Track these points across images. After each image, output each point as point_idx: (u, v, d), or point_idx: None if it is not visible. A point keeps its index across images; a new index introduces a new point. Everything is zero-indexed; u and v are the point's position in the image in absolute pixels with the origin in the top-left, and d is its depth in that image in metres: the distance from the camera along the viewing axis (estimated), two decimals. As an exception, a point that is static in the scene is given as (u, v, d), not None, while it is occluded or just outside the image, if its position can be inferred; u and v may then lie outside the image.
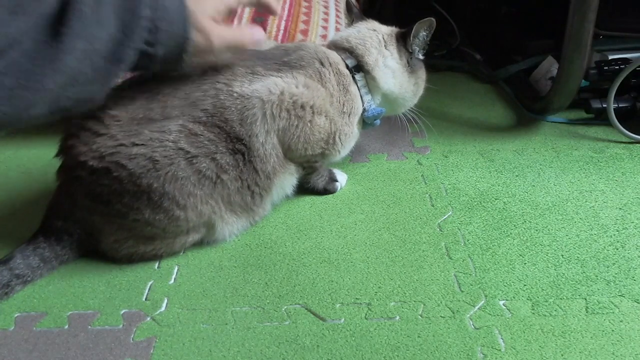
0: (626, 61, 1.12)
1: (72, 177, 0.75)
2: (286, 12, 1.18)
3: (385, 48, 0.91)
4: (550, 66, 1.26)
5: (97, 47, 0.55)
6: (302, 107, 0.81)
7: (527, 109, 1.25)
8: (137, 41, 0.59)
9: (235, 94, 0.77)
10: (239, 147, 0.77)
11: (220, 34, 0.67)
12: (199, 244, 0.83)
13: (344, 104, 0.88)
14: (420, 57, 0.94)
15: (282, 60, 0.84)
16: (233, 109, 0.76)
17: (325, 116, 0.85)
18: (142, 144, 0.71)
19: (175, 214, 0.75)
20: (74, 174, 0.74)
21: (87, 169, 0.72)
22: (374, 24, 0.96)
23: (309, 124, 0.83)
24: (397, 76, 0.92)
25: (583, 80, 1.12)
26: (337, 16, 1.25)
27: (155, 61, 0.62)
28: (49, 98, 0.54)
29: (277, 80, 0.80)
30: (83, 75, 0.55)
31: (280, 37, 1.13)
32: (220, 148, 0.76)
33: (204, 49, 0.67)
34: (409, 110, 0.98)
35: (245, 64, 0.81)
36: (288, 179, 0.88)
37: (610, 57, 1.16)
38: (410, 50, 0.92)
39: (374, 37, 0.92)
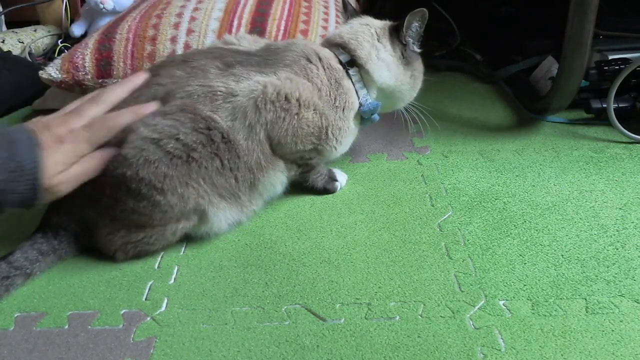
0: (626, 61, 1.12)
1: None
2: (286, 12, 1.18)
3: (378, 41, 0.91)
4: (550, 66, 1.26)
5: None
6: (287, 98, 0.81)
7: (527, 109, 1.25)
8: None
9: (219, 92, 0.78)
10: (212, 124, 0.77)
11: (68, 181, 0.70)
12: (199, 242, 0.83)
13: (335, 98, 0.87)
14: (416, 49, 0.94)
15: (266, 59, 0.85)
16: (207, 101, 0.78)
17: (313, 110, 0.84)
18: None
19: (155, 199, 0.75)
20: None
21: None
22: (367, 19, 0.97)
23: (296, 117, 0.83)
24: (391, 69, 0.91)
25: (583, 80, 1.12)
26: (337, 16, 1.25)
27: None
28: None
29: (259, 78, 0.81)
30: None
31: (280, 37, 1.13)
32: (183, 129, 0.76)
33: (53, 198, 0.71)
34: (410, 105, 0.98)
35: (224, 63, 0.82)
36: (278, 177, 0.88)
37: (610, 57, 1.16)
38: (404, 42, 0.92)
39: (366, 31, 0.92)
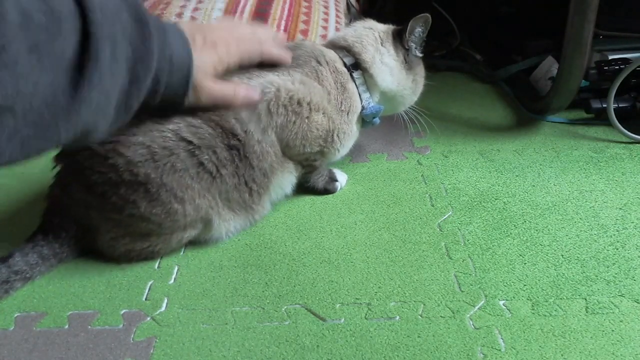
0: (626, 61, 1.12)
1: (70, 162, 0.75)
2: (286, 12, 1.18)
3: (382, 45, 0.92)
4: (550, 66, 1.26)
5: (111, 99, 0.56)
6: (299, 103, 0.81)
7: (527, 109, 1.25)
8: (143, 93, 0.60)
9: None
10: (234, 142, 0.77)
11: (211, 92, 0.71)
12: (199, 244, 0.83)
13: (342, 102, 0.88)
14: (418, 54, 0.94)
15: None
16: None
17: (323, 113, 0.85)
18: (142, 133, 0.72)
19: (173, 208, 0.74)
20: (73, 157, 0.74)
21: (87, 151, 0.72)
22: (370, 23, 0.97)
23: (306, 121, 0.83)
24: (394, 73, 0.92)
25: (583, 80, 1.12)
26: (337, 16, 1.25)
27: (150, 106, 0.65)
28: (56, 144, 0.54)
29: (273, 78, 0.81)
30: (93, 125, 0.55)
31: (280, 37, 1.13)
32: (219, 142, 0.76)
33: (192, 102, 0.71)
34: (410, 108, 0.98)
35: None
36: (287, 178, 0.88)
37: (610, 57, 1.16)
38: (407, 47, 0.92)
39: (370, 35, 0.92)
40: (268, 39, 0.81)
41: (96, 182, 0.72)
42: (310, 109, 0.83)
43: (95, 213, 0.76)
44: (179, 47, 0.65)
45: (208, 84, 0.70)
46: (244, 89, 0.76)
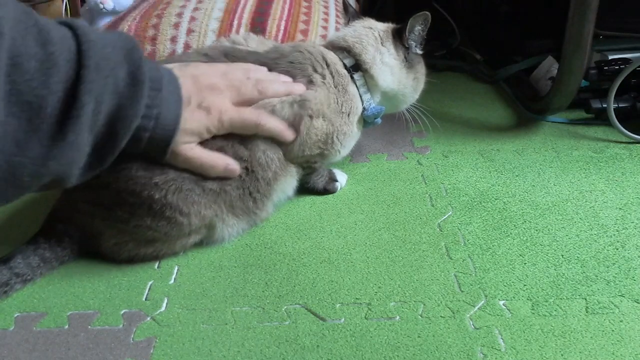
0: (626, 61, 1.12)
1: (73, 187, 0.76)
2: (286, 12, 1.18)
3: (382, 45, 0.91)
4: (550, 66, 1.26)
5: (83, 152, 0.55)
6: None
7: (527, 109, 1.25)
8: (119, 148, 0.60)
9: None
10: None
11: (187, 160, 0.69)
12: (199, 244, 0.83)
13: (342, 105, 0.87)
14: (418, 51, 0.94)
15: (277, 64, 0.84)
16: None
17: (322, 118, 0.84)
18: (142, 168, 0.72)
19: (178, 220, 0.75)
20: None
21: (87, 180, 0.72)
22: (369, 22, 0.96)
23: (305, 127, 0.83)
24: (395, 73, 0.91)
25: (583, 80, 1.12)
26: (337, 16, 1.25)
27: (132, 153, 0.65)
28: (22, 193, 0.53)
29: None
30: (64, 175, 0.55)
31: (280, 37, 1.13)
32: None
33: (168, 161, 0.70)
34: (412, 106, 0.98)
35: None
36: (289, 182, 0.88)
37: (610, 57, 1.16)
38: (407, 46, 0.92)
39: (370, 35, 0.92)
40: (270, 82, 0.77)
41: (101, 200, 0.74)
42: (310, 116, 0.83)
43: (100, 222, 0.76)
44: (170, 106, 0.63)
45: (187, 151, 0.68)
46: (223, 161, 0.73)
